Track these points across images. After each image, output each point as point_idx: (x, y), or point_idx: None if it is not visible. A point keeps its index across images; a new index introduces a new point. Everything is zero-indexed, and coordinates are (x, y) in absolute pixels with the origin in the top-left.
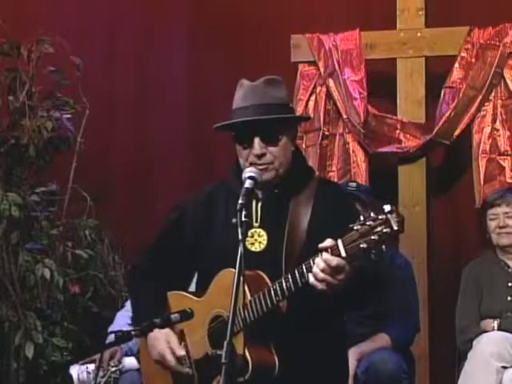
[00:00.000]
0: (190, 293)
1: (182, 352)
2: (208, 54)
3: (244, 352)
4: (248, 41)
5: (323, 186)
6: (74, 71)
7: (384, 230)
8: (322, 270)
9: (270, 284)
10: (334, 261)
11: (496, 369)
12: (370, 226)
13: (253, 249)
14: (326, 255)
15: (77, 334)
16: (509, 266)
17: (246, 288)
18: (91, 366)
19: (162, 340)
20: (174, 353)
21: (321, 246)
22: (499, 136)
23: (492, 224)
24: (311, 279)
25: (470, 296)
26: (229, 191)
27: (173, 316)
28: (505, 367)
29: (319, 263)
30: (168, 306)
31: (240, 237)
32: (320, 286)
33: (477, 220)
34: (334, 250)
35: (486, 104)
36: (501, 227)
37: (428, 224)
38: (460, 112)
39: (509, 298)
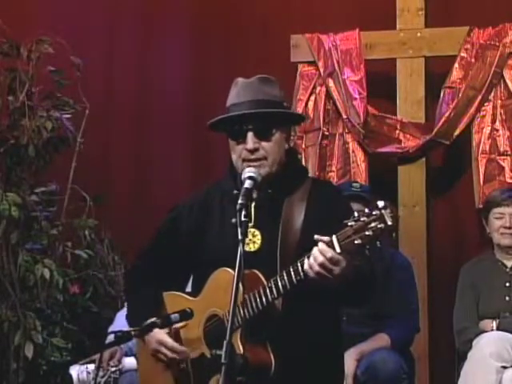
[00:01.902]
0: (186, 293)
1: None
2: (208, 53)
3: (244, 351)
4: (248, 41)
5: (317, 186)
6: (74, 71)
7: (378, 226)
8: (315, 260)
9: (265, 283)
10: (329, 252)
11: (496, 369)
12: (364, 221)
13: (247, 249)
14: (322, 245)
15: (76, 334)
16: (506, 266)
17: (242, 287)
18: (91, 366)
19: (157, 337)
20: (166, 346)
21: (317, 237)
22: (499, 136)
23: (497, 223)
24: (305, 266)
25: (468, 297)
26: (223, 191)
27: (173, 316)
28: (504, 367)
29: (315, 252)
30: (164, 306)
31: (240, 237)
32: (311, 273)
33: (477, 220)
34: (328, 246)
35: (486, 104)
36: (506, 227)
37: (428, 224)
38: (460, 112)
39: (507, 298)
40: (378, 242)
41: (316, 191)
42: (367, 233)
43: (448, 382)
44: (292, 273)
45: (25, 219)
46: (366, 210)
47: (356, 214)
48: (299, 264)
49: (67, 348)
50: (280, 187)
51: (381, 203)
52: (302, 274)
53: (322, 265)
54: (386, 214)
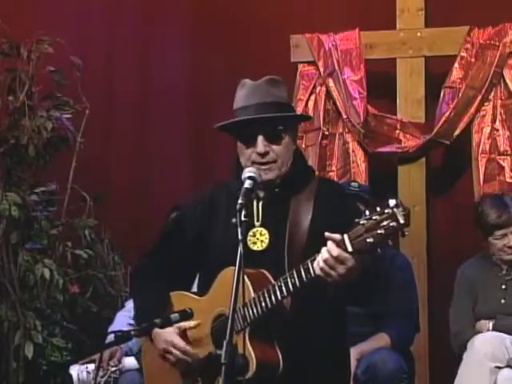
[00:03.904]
0: (193, 292)
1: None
2: (208, 54)
3: (244, 351)
4: (248, 41)
5: (323, 185)
6: (74, 71)
7: (391, 224)
8: (321, 256)
9: (273, 282)
10: (335, 251)
11: (490, 369)
12: (376, 220)
13: (255, 248)
14: (330, 244)
15: (76, 334)
16: (502, 269)
17: (250, 285)
18: (91, 366)
19: (166, 337)
20: (176, 346)
21: (327, 235)
22: (499, 136)
23: (499, 243)
24: (314, 264)
25: (464, 299)
26: (229, 191)
27: (172, 316)
28: (499, 367)
29: (322, 250)
30: (171, 305)
31: (240, 237)
32: (317, 270)
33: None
34: (340, 245)
35: (486, 104)
36: (510, 247)
37: (428, 224)
38: (460, 112)
39: (502, 301)
40: (389, 241)
41: (323, 190)
42: (379, 231)
43: (448, 381)
44: (302, 271)
45: (25, 219)
46: (378, 209)
47: (367, 213)
48: (309, 262)
49: (67, 348)
50: (287, 186)
51: (392, 201)
52: (312, 272)
53: (325, 261)
54: (399, 212)
